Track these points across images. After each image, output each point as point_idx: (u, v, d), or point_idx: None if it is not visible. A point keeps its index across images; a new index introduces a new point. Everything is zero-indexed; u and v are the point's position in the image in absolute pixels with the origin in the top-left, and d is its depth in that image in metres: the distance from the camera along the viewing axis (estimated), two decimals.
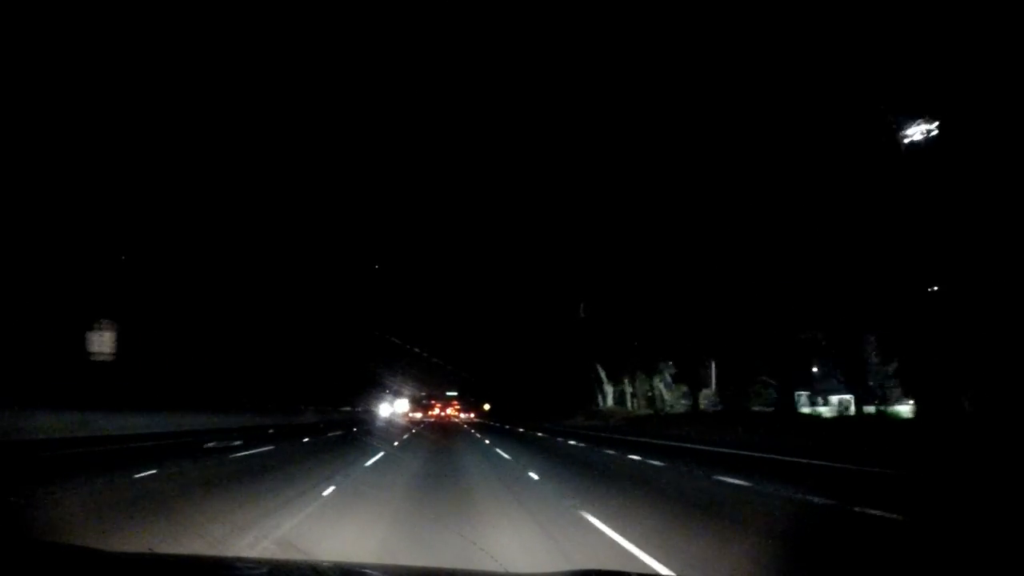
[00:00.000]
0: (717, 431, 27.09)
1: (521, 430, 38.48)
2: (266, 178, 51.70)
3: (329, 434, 27.27)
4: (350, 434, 28.32)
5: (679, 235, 39.21)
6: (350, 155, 70.76)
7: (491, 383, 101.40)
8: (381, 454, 16.30)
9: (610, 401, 62.48)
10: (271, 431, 28.14)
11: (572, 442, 23.49)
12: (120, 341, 29.16)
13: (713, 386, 44.75)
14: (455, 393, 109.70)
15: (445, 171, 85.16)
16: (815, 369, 39.17)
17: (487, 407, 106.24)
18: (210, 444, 18.14)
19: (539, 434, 31.58)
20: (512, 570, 3.43)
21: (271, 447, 17.76)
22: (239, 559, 3.66)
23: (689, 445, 20.69)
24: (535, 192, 70.59)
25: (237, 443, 18.79)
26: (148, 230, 35.02)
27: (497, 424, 57.53)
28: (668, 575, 4.83)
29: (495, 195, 77.64)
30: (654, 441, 23.39)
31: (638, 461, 14.99)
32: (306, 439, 22.84)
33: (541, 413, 70.51)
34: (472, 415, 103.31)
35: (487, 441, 24.27)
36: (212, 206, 40.89)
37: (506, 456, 16.65)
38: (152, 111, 33.64)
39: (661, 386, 48.99)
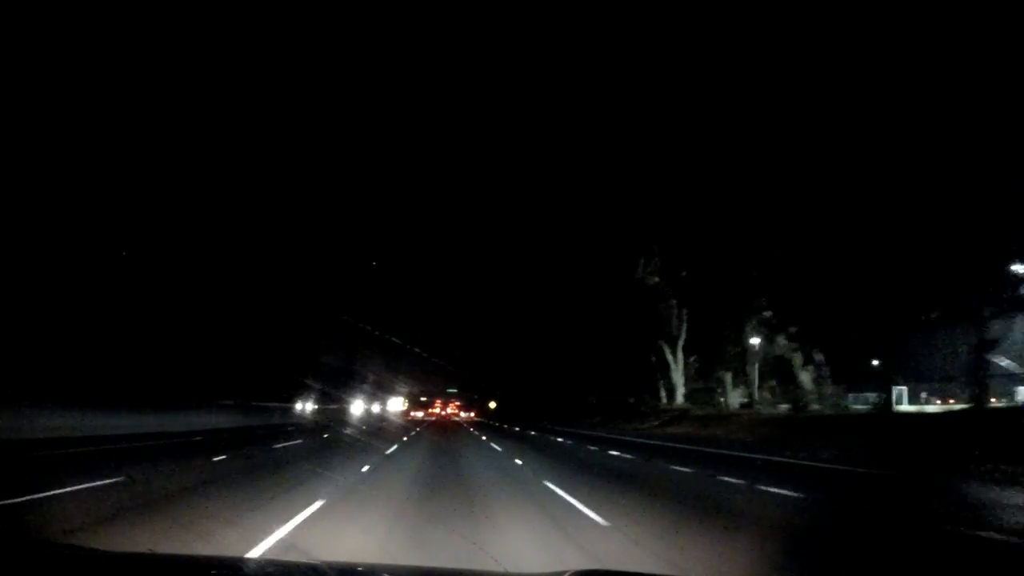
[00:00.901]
0: None
1: (632, 457, 18.62)
2: (260, 175, 43.91)
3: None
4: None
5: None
6: (343, 129, 60.50)
7: (497, 377, 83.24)
8: None
9: (679, 397, 44.00)
10: None
11: None
12: None
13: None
14: (455, 390, 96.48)
15: (445, 135, 69.83)
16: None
17: (493, 405, 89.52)
18: None
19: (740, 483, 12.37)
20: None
21: None
22: (239, 559, 3.60)
23: None
24: (570, 116, 52.72)
25: None
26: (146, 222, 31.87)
27: (528, 430, 36.75)
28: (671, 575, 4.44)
29: (508, 138, 60.69)
30: None
31: None
32: None
33: (568, 413, 52.03)
34: (473, 414, 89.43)
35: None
36: (208, 204, 37.02)
37: None
38: (148, 105, 30.86)
39: (806, 374, 30.06)
